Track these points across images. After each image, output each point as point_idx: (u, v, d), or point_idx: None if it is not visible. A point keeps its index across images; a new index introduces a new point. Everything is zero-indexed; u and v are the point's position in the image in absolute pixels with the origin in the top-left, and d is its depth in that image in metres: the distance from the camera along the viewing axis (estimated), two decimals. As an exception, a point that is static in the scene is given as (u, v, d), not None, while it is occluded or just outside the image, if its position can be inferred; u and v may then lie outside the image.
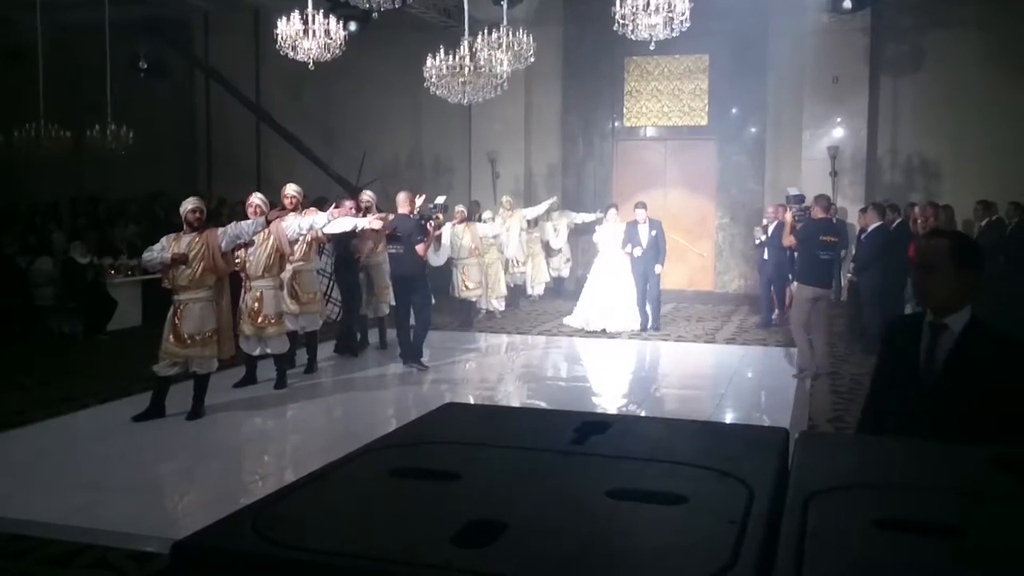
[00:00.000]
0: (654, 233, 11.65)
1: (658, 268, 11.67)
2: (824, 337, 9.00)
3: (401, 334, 9.29)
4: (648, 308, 11.71)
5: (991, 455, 1.40)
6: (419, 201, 9.10)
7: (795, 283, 9.46)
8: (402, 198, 9.17)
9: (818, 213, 9.10)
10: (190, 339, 6.96)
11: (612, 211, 12.14)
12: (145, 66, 15.15)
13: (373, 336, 10.44)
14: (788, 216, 9.94)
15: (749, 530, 1.07)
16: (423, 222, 9.04)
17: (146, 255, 7.15)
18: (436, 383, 8.77)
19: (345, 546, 1.04)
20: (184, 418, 7.07)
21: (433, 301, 10.07)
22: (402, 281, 9.12)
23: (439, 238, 9.98)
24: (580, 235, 14.67)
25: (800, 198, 10.22)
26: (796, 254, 9.62)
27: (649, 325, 11.63)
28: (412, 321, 9.30)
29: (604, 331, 11.44)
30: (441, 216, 9.56)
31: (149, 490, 5.73)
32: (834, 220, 10.25)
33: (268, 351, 8.14)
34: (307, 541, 1.07)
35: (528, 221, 13.55)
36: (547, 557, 1.01)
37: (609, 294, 11.72)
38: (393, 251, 9.12)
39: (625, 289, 11.68)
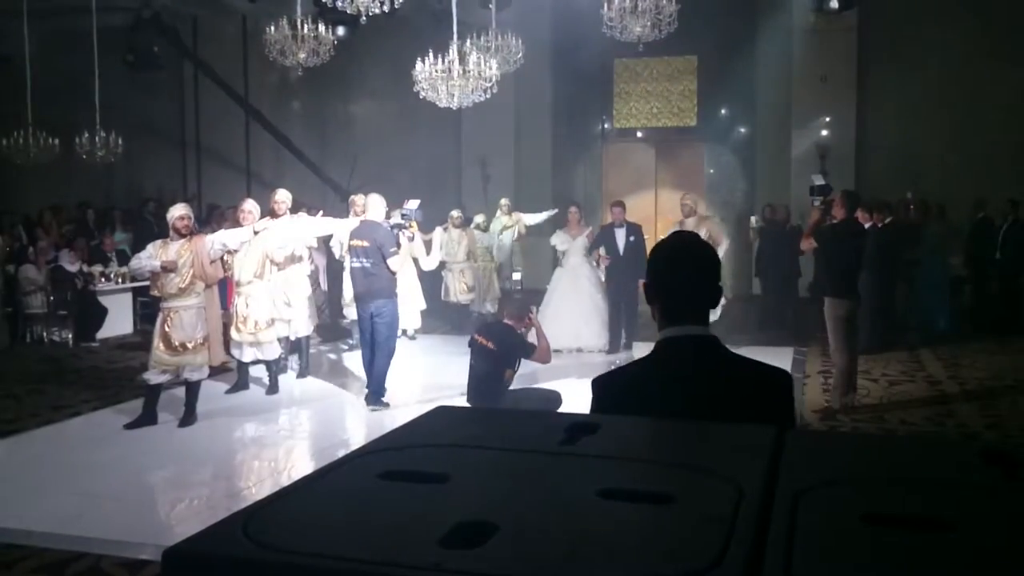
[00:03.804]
0: (632, 239, 9.73)
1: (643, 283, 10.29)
2: (854, 364, 7.44)
3: (367, 366, 7.69)
4: (623, 326, 9.89)
5: (979, 449, 1.42)
6: (410, 205, 7.99)
7: (827, 299, 7.42)
8: (373, 201, 7.84)
9: (842, 214, 7.44)
10: (181, 347, 6.94)
11: (574, 210, 10.46)
12: (132, 59, 14.24)
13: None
14: (816, 215, 8.04)
15: (737, 528, 1.07)
16: (395, 231, 7.62)
17: (134, 263, 7.14)
18: (427, 387, 8.74)
19: (336, 549, 1.04)
20: (176, 425, 7.05)
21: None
22: (367, 300, 7.53)
23: (429, 243, 9.60)
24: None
25: (826, 188, 8.35)
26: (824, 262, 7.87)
27: (622, 345, 9.81)
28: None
29: (578, 350, 9.77)
30: (415, 224, 8.03)
31: (142, 497, 5.72)
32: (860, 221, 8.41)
33: (260, 356, 8.13)
34: (298, 545, 1.07)
35: (525, 227, 13.31)
36: (537, 557, 1.01)
37: (575, 310, 9.90)
38: (358, 264, 7.54)
39: (594, 302, 9.95)
